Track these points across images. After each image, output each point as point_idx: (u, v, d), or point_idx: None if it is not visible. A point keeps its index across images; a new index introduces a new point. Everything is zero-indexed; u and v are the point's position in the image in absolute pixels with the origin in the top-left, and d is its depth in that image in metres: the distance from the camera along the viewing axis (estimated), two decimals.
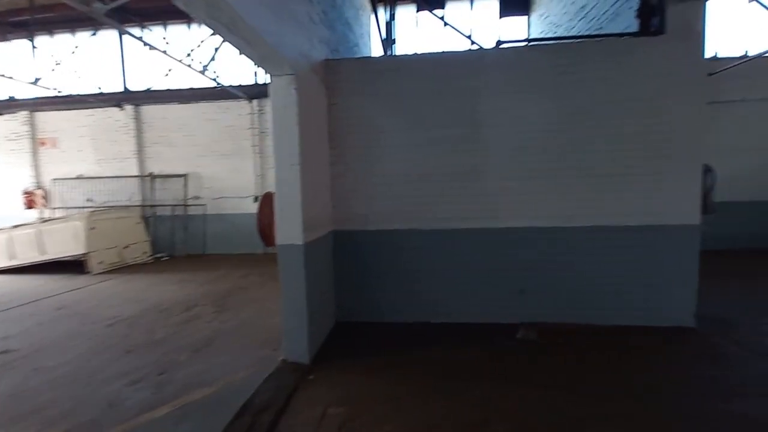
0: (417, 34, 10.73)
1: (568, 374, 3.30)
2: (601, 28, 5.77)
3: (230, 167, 10.39)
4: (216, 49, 8.34)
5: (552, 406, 2.81)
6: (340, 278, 4.60)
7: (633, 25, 4.49)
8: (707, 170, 4.00)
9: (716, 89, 8.59)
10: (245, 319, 5.03)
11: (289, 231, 3.51)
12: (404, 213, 4.46)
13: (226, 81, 9.33)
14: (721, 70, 8.35)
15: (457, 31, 5.64)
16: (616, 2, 5.37)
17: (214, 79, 8.77)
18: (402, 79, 4.36)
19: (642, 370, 3.31)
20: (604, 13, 5.77)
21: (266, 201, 4.07)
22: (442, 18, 5.89)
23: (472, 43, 5.59)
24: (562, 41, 4.24)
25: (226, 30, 2.56)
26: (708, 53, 9.49)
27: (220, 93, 9.88)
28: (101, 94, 10.42)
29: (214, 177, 10.47)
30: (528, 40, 4.32)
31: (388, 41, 7.20)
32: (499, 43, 4.41)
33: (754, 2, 8.22)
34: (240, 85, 9.92)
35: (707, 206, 4.01)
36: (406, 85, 4.35)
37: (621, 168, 4.13)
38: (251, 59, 3.16)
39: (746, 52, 8.16)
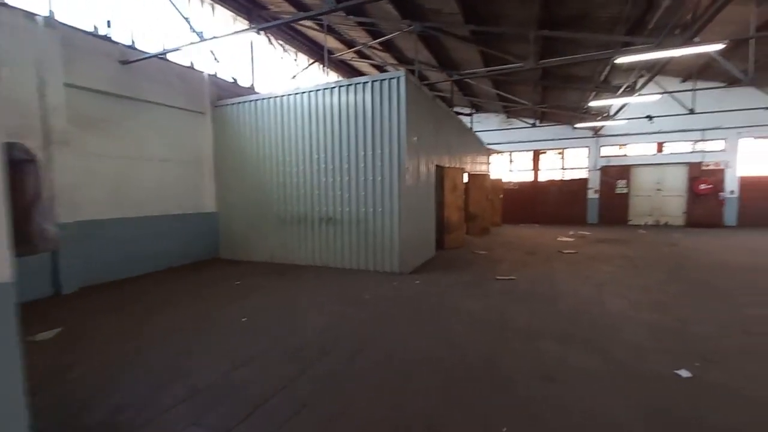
0: None
1: None
2: None
3: None
4: None
5: None
6: None
7: None
8: (22, 161, 1.83)
9: (137, 87, 7.32)
10: None
11: None
12: None
13: None
14: (135, 60, 7.10)
15: None
16: None
17: None
18: None
19: None
20: None
21: None
22: None
23: None
24: None
25: None
26: (127, 40, 8.38)
27: None
28: None
29: None
30: None
31: None
32: None
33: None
34: None
35: (32, 235, 1.85)
36: None
37: None
38: None
39: (164, 49, 7.42)
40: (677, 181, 16.27)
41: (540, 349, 3.71)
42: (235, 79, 9.91)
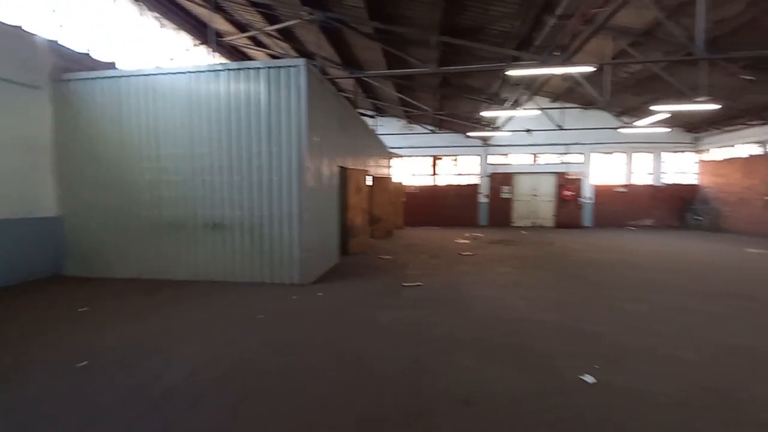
0: None
1: None
2: None
3: None
4: None
5: None
6: None
7: None
8: None
9: None
10: None
11: None
12: None
13: None
14: None
15: None
16: None
17: None
18: None
19: None
20: None
21: None
22: None
23: None
24: None
25: None
26: None
27: None
28: None
29: None
30: None
31: None
32: None
33: None
34: None
35: None
36: None
37: None
38: None
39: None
40: (548, 187, 18.62)
41: (457, 365, 3.43)
42: (88, 51, 7.92)
